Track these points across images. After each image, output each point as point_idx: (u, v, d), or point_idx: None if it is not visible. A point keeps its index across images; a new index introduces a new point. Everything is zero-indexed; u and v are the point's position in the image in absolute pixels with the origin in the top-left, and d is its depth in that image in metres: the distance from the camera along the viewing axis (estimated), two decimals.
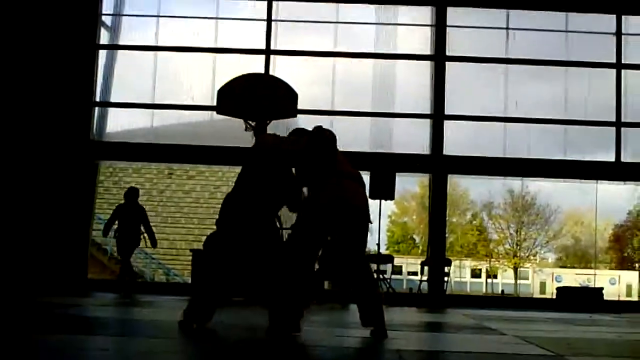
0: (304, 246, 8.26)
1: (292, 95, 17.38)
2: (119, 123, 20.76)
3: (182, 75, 20.79)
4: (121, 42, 21.07)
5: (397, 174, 19.13)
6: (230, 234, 8.44)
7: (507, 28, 20.75)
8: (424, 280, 19.94)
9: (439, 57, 20.43)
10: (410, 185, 70.30)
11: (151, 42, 20.83)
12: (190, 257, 18.82)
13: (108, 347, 7.11)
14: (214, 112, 18.14)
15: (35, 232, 19.41)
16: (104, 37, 21.02)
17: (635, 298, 55.93)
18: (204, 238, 19.00)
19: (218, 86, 17.42)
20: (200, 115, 20.61)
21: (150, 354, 6.65)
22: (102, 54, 20.83)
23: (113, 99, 20.78)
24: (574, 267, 69.92)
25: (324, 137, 8.47)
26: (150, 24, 21.12)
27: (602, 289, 21.06)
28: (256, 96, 16.42)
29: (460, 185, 66.75)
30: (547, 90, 22.03)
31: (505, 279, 66.66)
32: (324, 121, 19.71)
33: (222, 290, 8.49)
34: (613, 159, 20.37)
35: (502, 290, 56.10)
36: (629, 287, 62.08)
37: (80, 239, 19.93)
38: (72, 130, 19.94)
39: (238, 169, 8.42)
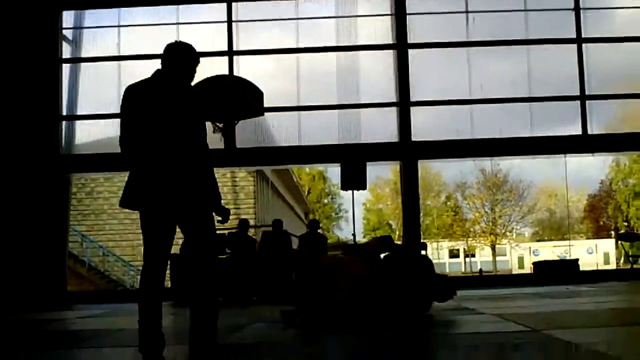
0: None
1: (258, 94, 17.50)
2: (87, 135, 20.71)
3: None
4: (83, 55, 21.04)
5: (367, 163, 19.25)
6: None
7: (466, 12, 20.86)
8: None
9: (400, 45, 20.55)
10: (383, 172, 70.92)
11: (113, 53, 20.80)
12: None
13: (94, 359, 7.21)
14: None
15: (12, 248, 19.43)
16: (66, 51, 20.99)
17: (612, 266, 56.50)
18: (180, 241, 19.06)
19: None
20: None
21: None
22: (66, 68, 20.81)
23: (79, 112, 20.74)
24: (551, 240, 70.61)
25: None
26: (111, 34, 21.07)
27: (577, 260, 21.29)
28: (223, 98, 16.52)
29: (433, 168, 67.36)
30: (510, 69, 22.17)
31: (483, 257, 67.18)
32: (292, 117, 19.98)
33: None
34: (580, 132, 20.56)
35: (480, 269, 56.43)
36: (606, 255, 62.70)
37: (57, 252, 19.91)
38: (41, 145, 19.94)
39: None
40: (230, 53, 20.33)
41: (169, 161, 6.87)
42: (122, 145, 7.01)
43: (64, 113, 20.61)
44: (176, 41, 7.33)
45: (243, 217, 23.12)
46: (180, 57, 7.20)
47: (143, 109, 6.96)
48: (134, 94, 7.07)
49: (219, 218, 7.30)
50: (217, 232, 7.21)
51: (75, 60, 20.95)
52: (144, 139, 6.91)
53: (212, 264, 7.16)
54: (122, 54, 20.74)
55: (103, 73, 20.65)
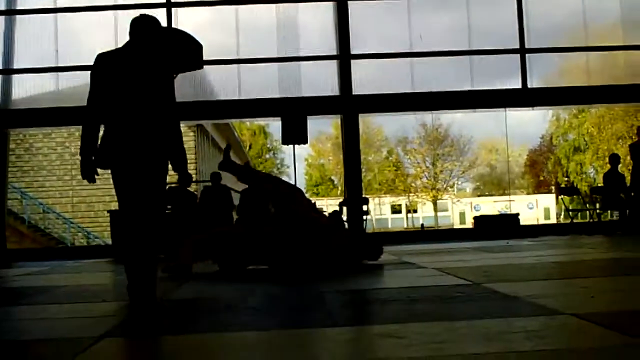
0: None
1: (197, 47, 17.31)
2: (24, 89, 20.39)
3: (84, 36, 20.49)
4: (19, 7, 20.67)
5: (308, 117, 19.21)
6: None
7: None
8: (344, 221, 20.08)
9: None
10: (325, 127, 70.87)
11: (49, 5, 20.42)
12: (109, 218, 18.70)
13: (38, 315, 7.11)
14: None
15: None
16: (0, 3, 20.58)
17: (553, 220, 57.17)
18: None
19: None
20: None
21: (78, 319, 6.69)
22: (0, 20, 20.43)
23: (16, 65, 20.39)
24: (492, 195, 71.25)
25: None
26: None
27: (518, 214, 21.45)
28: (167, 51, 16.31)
29: (374, 123, 67.46)
30: (450, 23, 22.21)
31: (425, 213, 67.56)
32: (231, 70, 19.80)
33: None
34: (520, 86, 20.66)
35: (422, 224, 56.77)
36: (546, 210, 63.44)
37: None
38: None
39: None
40: (169, 5, 20.06)
41: (142, 124, 7.28)
42: (88, 110, 7.48)
43: (0, 67, 20.26)
44: (141, 15, 7.77)
45: None
46: (145, 30, 7.64)
47: (116, 77, 7.35)
48: (105, 62, 7.47)
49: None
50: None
51: (10, 12, 20.57)
52: (115, 105, 7.29)
53: (157, 221, 7.38)
54: (58, 6, 20.35)
55: (40, 26, 20.26)
